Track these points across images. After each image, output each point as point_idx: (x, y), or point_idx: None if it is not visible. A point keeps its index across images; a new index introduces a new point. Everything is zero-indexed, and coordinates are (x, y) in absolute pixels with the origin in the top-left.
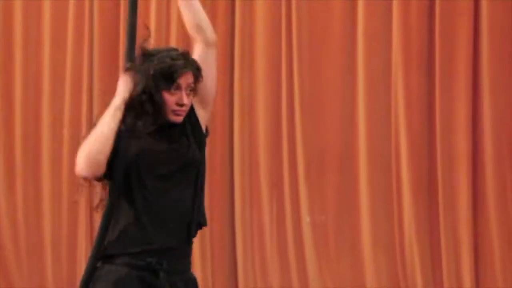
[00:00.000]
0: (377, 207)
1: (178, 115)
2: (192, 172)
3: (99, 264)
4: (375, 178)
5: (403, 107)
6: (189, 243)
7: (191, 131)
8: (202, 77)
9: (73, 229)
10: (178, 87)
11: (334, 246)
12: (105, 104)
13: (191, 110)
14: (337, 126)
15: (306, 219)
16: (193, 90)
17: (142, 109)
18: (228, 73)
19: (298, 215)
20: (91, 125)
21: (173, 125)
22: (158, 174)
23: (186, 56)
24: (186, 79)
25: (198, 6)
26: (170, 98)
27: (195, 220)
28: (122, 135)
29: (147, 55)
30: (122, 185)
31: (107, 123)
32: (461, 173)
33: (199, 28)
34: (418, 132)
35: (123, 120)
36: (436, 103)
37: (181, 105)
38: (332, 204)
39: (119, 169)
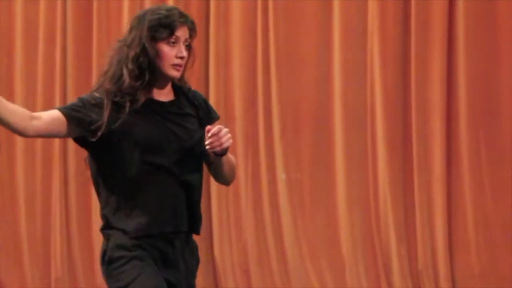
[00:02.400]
0: (352, 165)
1: (177, 69)
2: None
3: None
4: (350, 136)
5: (378, 65)
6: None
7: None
8: (196, 33)
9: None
10: (177, 40)
11: (309, 204)
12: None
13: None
14: (313, 84)
15: (281, 176)
16: (189, 46)
17: (139, 67)
18: (204, 32)
19: (274, 172)
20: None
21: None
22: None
23: (179, 9)
24: (183, 32)
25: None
26: (169, 52)
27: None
28: (124, 117)
29: (140, 16)
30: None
31: None
32: (435, 131)
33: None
34: (393, 89)
35: (120, 89)
36: (411, 60)
37: (181, 57)
38: (308, 162)
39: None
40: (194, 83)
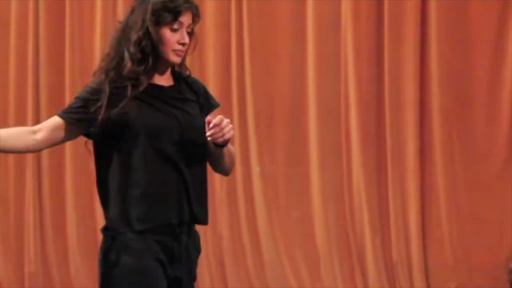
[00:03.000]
0: (326, 158)
1: (178, 55)
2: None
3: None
4: (324, 130)
5: (352, 60)
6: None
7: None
8: (200, 18)
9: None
10: (180, 26)
11: (284, 197)
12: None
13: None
14: (287, 78)
15: (256, 169)
16: (191, 31)
17: (142, 51)
18: None
19: (248, 165)
20: None
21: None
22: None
23: None
24: (187, 18)
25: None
26: (171, 37)
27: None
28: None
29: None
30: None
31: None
32: (409, 124)
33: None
34: (366, 84)
35: (121, 73)
36: (385, 55)
37: (183, 44)
38: (282, 155)
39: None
40: None
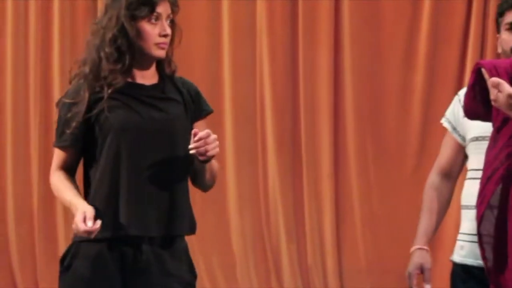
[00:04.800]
0: (242, 163)
1: (162, 48)
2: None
3: (77, 239)
4: (240, 134)
5: (267, 64)
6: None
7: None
8: (178, 7)
9: None
10: (158, 17)
11: (200, 201)
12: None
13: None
14: (203, 83)
15: None
16: (173, 21)
17: (118, 50)
18: None
19: None
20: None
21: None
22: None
23: None
24: (165, 8)
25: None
26: (151, 30)
27: None
28: (102, 104)
29: None
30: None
31: (64, 203)
32: (323, 129)
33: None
34: (282, 88)
35: (98, 75)
36: (299, 59)
37: (165, 35)
38: None
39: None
40: None
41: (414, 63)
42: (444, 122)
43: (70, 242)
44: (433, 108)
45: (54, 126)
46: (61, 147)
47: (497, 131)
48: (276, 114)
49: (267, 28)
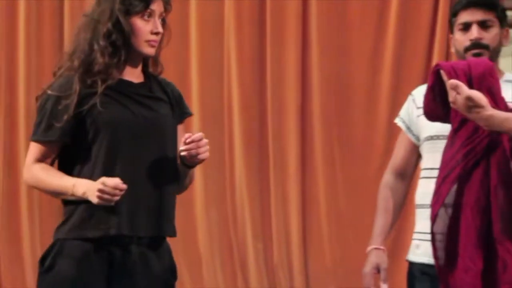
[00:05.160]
0: (209, 163)
1: (152, 46)
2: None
3: (60, 236)
4: (208, 134)
5: (235, 64)
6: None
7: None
8: (171, 6)
9: None
10: (151, 14)
11: None
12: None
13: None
14: (170, 80)
15: None
16: (164, 21)
17: (112, 44)
18: (58, 31)
19: None
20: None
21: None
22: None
23: None
24: (159, 6)
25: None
26: (143, 26)
27: None
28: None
29: None
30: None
31: (57, 188)
32: (291, 129)
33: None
34: (249, 88)
35: (91, 68)
36: (267, 57)
37: (156, 33)
38: None
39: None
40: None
41: (381, 64)
42: (398, 121)
43: (34, 241)
44: (399, 109)
45: (35, 119)
46: (45, 141)
47: (455, 132)
48: (244, 114)
49: (235, 28)
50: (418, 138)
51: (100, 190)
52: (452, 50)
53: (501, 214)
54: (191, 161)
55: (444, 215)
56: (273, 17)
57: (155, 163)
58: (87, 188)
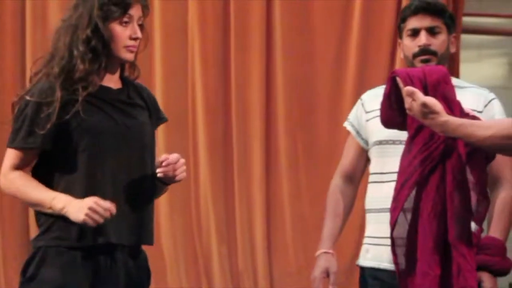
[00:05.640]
0: None
1: (131, 51)
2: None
3: (43, 244)
4: (172, 138)
5: (199, 66)
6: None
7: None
8: (149, 10)
9: None
10: (130, 19)
11: None
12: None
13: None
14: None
15: None
16: (142, 25)
17: (93, 50)
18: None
19: None
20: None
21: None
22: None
23: None
24: (137, 11)
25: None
26: (122, 32)
27: None
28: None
29: None
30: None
31: (36, 200)
32: (255, 132)
33: None
34: (213, 91)
35: (71, 75)
36: (231, 61)
37: (135, 39)
38: None
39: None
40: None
41: (345, 68)
42: (347, 125)
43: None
44: None
45: (13, 125)
46: (26, 148)
47: (411, 138)
48: (208, 118)
49: (199, 32)
50: (367, 143)
51: (92, 209)
52: (401, 55)
53: (456, 219)
54: (168, 181)
55: (403, 221)
56: (237, 21)
57: (136, 172)
58: (67, 203)
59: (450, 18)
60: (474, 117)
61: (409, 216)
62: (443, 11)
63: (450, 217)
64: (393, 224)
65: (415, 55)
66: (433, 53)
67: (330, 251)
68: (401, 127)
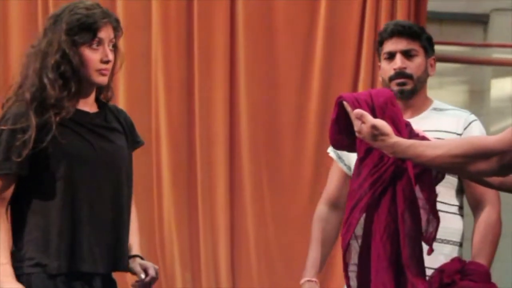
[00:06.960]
0: (137, 192)
1: (103, 74)
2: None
3: (25, 272)
4: (135, 165)
5: (163, 92)
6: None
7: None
8: (122, 31)
9: None
10: (100, 42)
11: None
12: None
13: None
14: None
15: None
16: (115, 46)
17: (62, 76)
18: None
19: None
20: None
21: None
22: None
23: (101, 6)
24: (107, 33)
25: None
26: (92, 56)
27: None
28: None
29: (55, 16)
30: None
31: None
32: (219, 159)
33: None
34: (177, 117)
35: (43, 101)
36: (195, 88)
37: (106, 62)
38: None
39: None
40: None
41: (309, 93)
42: (330, 151)
43: None
44: (328, 137)
45: None
46: (1, 175)
47: (360, 161)
48: (172, 144)
49: (162, 58)
50: (349, 168)
51: None
52: (380, 78)
53: (408, 240)
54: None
55: (355, 245)
56: (201, 47)
57: (113, 197)
58: (8, 280)
59: (428, 41)
60: (424, 138)
61: (360, 240)
62: (419, 34)
63: (403, 238)
64: (345, 249)
65: (391, 78)
66: (409, 76)
67: (314, 279)
68: (349, 149)
